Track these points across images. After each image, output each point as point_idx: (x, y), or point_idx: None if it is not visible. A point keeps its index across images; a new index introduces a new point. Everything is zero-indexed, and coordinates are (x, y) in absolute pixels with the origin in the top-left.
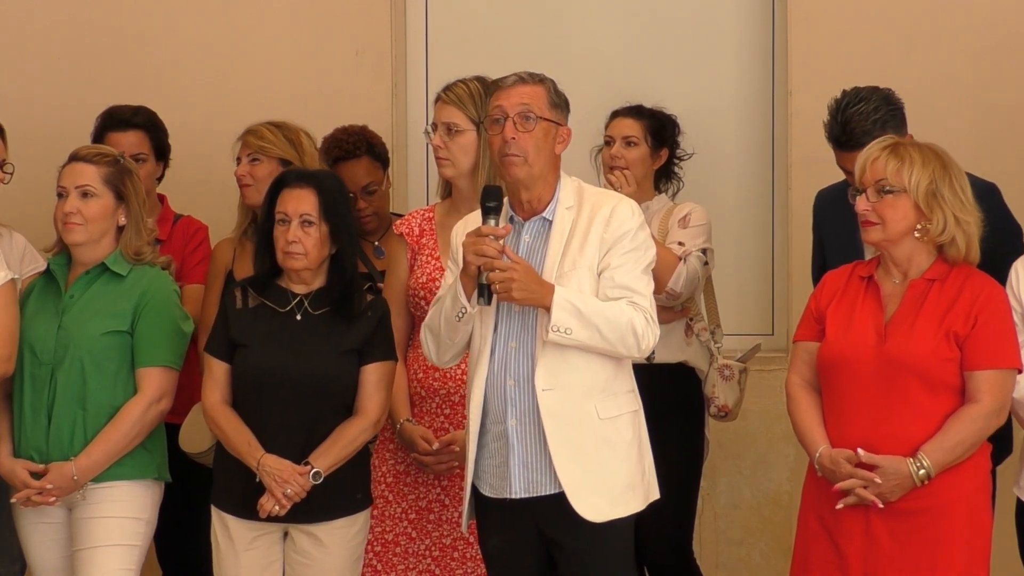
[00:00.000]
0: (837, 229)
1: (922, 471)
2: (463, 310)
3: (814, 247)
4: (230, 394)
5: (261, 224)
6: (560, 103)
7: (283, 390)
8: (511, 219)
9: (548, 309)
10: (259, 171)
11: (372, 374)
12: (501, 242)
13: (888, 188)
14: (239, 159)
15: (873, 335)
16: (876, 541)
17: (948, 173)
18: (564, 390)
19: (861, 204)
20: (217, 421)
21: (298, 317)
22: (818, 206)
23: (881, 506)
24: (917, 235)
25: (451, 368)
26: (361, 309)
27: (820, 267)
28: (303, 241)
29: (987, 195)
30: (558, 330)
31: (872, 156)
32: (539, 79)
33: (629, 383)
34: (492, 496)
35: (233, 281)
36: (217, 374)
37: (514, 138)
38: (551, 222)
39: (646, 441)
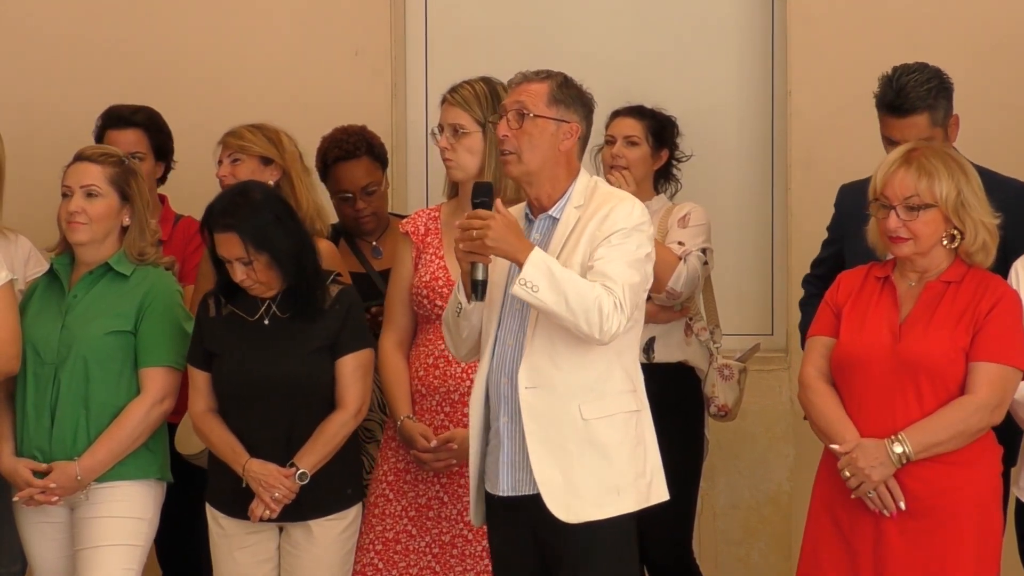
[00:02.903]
0: (860, 224)
1: (898, 447)
2: (459, 305)
3: (827, 241)
4: (214, 401)
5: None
6: (566, 99)
7: (260, 396)
8: (526, 216)
9: (520, 264)
10: (240, 171)
11: (347, 366)
12: None
13: (919, 204)
14: (220, 161)
15: (888, 335)
16: (887, 540)
17: (969, 178)
18: (547, 389)
19: (892, 222)
20: (202, 430)
21: (266, 322)
22: (841, 201)
23: (887, 515)
24: (945, 243)
25: (451, 366)
26: (327, 304)
27: (833, 261)
28: (251, 279)
29: None
30: (525, 284)
31: (894, 171)
32: (544, 76)
33: (626, 383)
34: (490, 492)
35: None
36: (199, 383)
37: (507, 135)
38: (558, 220)
39: (648, 442)
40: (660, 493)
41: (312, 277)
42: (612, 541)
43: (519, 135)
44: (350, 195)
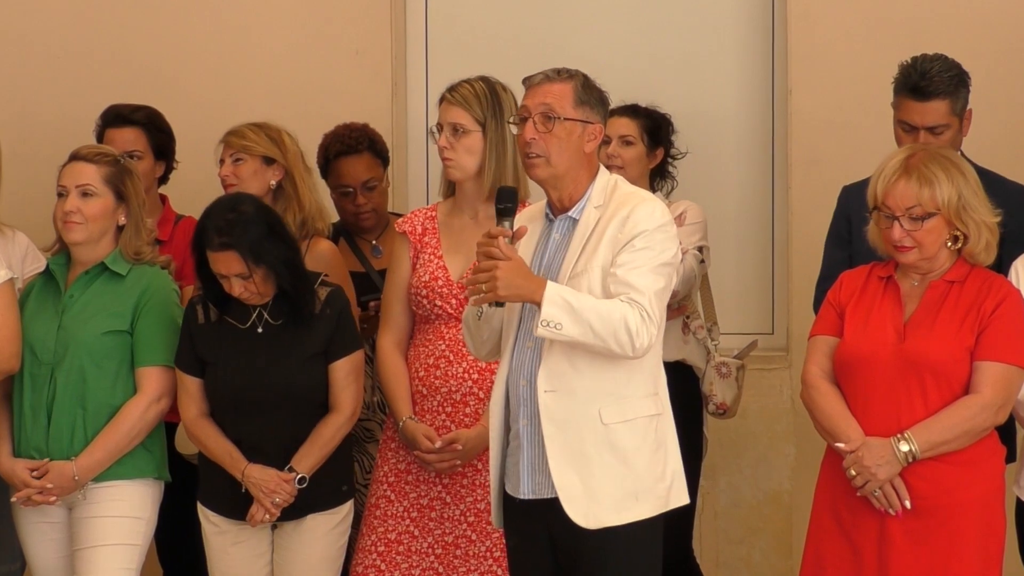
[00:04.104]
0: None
1: (905, 446)
2: (480, 310)
3: (836, 243)
4: (207, 405)
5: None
6: (589, 99)
7: (257, 405)
8: (545, 216)
9: (539, 305)
10: (243, 171)
11: (340, 370)
12: (517, 244)
13: (922, 214)
14: (222, 160)
15: (892, 335)
16: (891, 540)
17: (967, 179)
18: (567, 393)
19: (897, 232)
20: (197, 436)
21: (259, 330)
22: (847, 203)
23: (892, 513)
24: (948, 245)
25: (452, 366)
26: (318, 309)
27: (846, 260)
28: (248, 291)
29: None
30: (548, 325)
31: (895, 181)
32: (568, 76)
33: (649, 387)
34: (510, 494)
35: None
36: (191, 389)
37: (534, 139)
38: (577, 221)
39: (669, 446)
40: (680, 497)
41: (303, 282)
42: (630, 546)
43: (548, 138)
44: (350, 190)
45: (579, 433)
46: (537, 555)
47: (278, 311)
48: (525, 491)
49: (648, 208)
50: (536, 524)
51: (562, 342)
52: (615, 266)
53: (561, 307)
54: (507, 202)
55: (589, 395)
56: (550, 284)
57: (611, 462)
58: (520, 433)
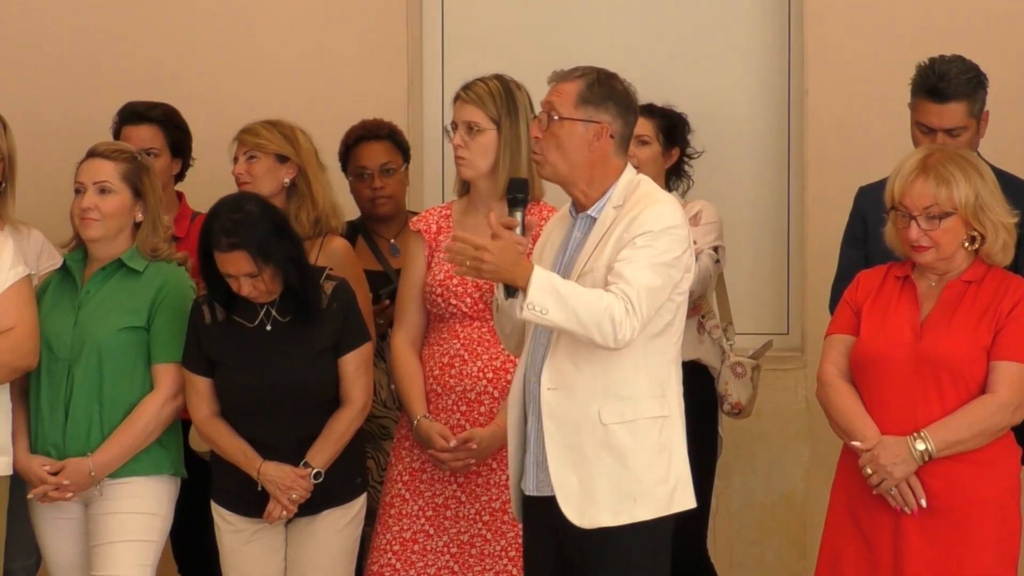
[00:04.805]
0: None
1: (921, 445)
2: (496, 302)
3: (851, 243)
4: (217, 405)
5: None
6: (595, 98)
7: (270, 403)
8: (570, 213)
9: (524, 289)
10: (256, 168)
11: (350, 364)
12: (527, 236)
13: (939, 214)
14: (236, 158)
15: (909, 334)
16: (906, 538)
17: (985, 179)
18: (568, 390)
19: (914, 232)
20: (210, 436)
21: (268, 328)
22: (863, 204)
23: (908, 511)
24: (966, 245)
25: (467, 365)
26: (324, 303)
27: (863, 266)
28: (257, 290)
29: None
30: (533, 308)
31: (912, 181)
32: (579, 74)
33: (655, 388)
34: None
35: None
36: (201, 389)
37: (537, 138)
38: (596, 220)
39: (675, 449)
40: (685, 501)
41: (310, 278)
42: (629, 549)
43: (547, 138)
44: (368, 172)
45: (578, 432)
46: (546, 551)
47: (285, 308)
48: (530, 488)
49: (657, 210)
50: (544, 520)
51: (550, 328)
52: (616, 262)
53: (548, 292)
54: (518, 192)
55: (589, 394)
56: (537, 269)
57: (609, 463)
58: (528, 429)
